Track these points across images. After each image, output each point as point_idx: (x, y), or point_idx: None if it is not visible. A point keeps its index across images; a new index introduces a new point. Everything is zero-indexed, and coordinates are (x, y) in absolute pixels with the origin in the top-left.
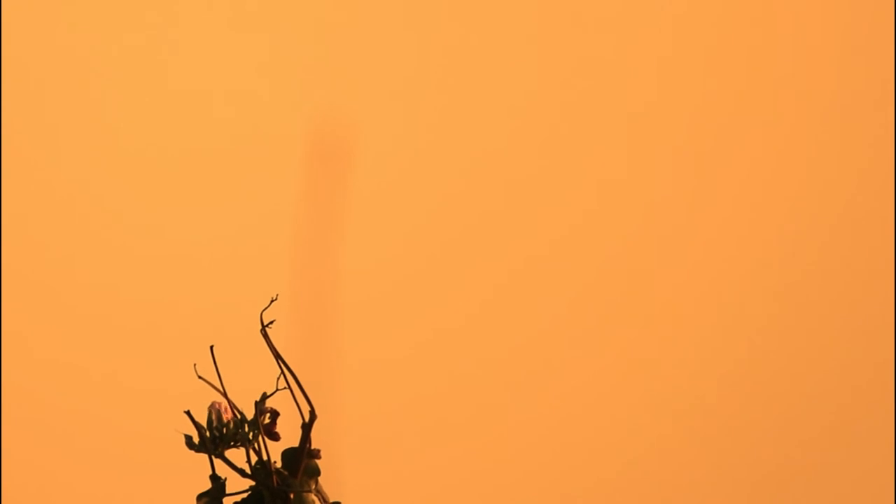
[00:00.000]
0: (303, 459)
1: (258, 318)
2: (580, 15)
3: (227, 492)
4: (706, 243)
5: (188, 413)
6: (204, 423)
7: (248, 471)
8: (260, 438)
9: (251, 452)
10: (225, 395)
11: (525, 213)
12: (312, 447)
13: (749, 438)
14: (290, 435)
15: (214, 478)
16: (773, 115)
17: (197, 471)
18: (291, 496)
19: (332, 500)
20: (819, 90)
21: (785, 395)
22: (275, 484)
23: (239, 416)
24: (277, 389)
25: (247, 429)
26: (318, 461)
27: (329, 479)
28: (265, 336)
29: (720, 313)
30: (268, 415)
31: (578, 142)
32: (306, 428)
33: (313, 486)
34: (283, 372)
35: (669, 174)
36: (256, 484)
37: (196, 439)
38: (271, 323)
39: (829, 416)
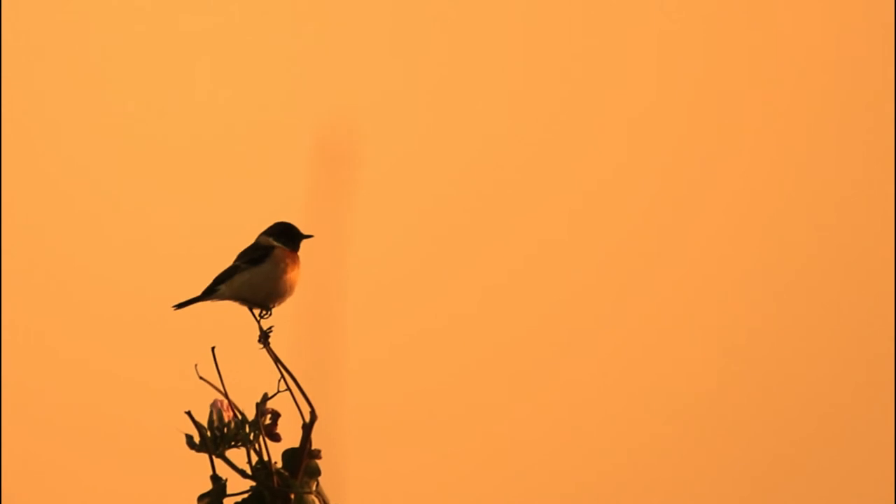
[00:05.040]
0: (303, 460)
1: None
2: (580, 17)
3: (228, 492)
4: (706, 243)
5: (189, 413)
6: (205, 423)
7: (248, 471)
8: (261, 439)
9: (252, 453)
10: (226, 395)
11: (526, 214)
12: (313, 448)
13: (748, 438)
14: (290, 436)
15: (215, 478)
16: (773, 115)
17: (198, 472)
18: (292, 497)
19: (332, 502)
20: (819, 90)
21: (784, 394)
22: (275, 484)
23: (240, 417)
24: (279, 391)
25: (248, 429)
26: (319, 461)
27: (331, 479)
28: (265, 342)
29: (720, 313)
30: (269, 416)
31: (580, 143)
32: (307, 429)
33: (314, 487)
34: (282, 374)
35: (669, 174)
36: (257, 484)
37: (197, 439)
38: (270, 329)
39: (829, 416)
